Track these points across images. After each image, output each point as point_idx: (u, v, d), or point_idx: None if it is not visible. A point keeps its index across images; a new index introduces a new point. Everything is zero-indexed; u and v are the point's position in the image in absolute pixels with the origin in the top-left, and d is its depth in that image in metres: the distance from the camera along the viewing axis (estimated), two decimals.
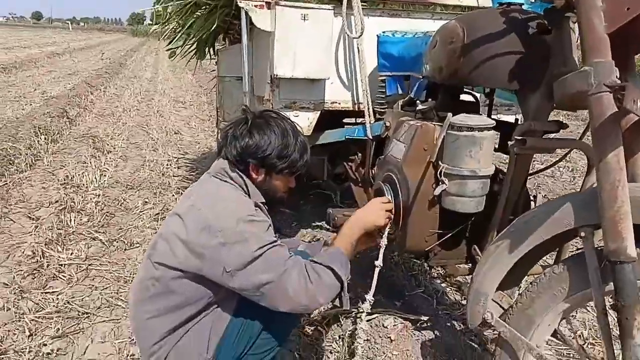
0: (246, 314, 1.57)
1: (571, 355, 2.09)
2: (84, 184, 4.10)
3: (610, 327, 1.24)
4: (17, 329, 2.17)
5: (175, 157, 5.21)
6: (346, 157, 2.91)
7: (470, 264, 1.90)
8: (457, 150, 1.62)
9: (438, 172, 1.67)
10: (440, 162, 1.68)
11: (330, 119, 2.73)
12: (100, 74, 12.07)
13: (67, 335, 2.17)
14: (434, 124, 1.77)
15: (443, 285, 2.82)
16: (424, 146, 1.75)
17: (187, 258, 1.44)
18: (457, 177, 1.63)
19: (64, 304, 2.39)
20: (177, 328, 1.53)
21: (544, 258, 2.46)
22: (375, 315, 2.31)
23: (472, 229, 1.83)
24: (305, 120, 2.50)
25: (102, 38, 32.02)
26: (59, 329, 2.20)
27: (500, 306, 1.58)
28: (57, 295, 2.48)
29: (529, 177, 1.77)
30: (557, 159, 1.80)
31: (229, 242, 1.39)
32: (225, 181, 1.56)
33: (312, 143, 2.70)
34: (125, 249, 3.06)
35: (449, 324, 2.39)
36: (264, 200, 1.60)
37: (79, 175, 4.30)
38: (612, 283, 1.17)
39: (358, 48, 2.42)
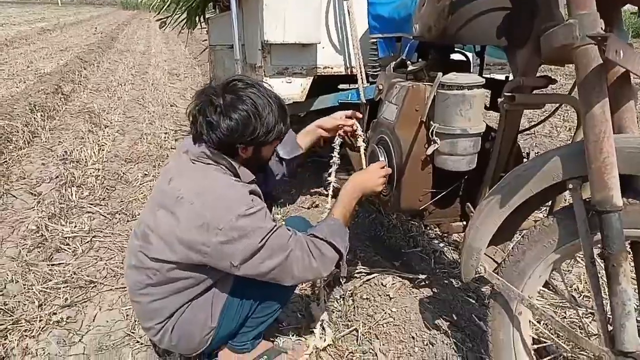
0: (246, 284, 1.60)
1: (562, 305, 2.15)
2: (83, 159, 4.12)
3: (599, 276, 1.28)
4: (27, 300, 2.23)
5: (172, 130, 5.20)
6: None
7: (464, 222, 1.93)
8: (447, 109, 1.63)
9: (430, 132, 1.68)
10: (431, 122, 1.69)
11: (324, 84, 2.73)
12: (93, 48, 11.91)
13: (75, 304, 2.23)
14: (425, 84, 1.77)
15: (441, 245, 2.87)
16: (415, 107, 1.76)
17: (187, 254, 1.45)
18: (448, 136, 1.64)
19: (71, 274, 2.45)
20: (181, 306, 1.58)
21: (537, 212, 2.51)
22: (374, 274, 2.37)
23: (465, 187, 1.86)
24: (298, 87, 2.50)
25: (92, 12, 31.42)
26: (67, 298, 2.25)
27: (494, 260, 1.62)
28: (64, 267, 2.53)
29: (523, 135, 1.78)
30: (547, 115, 1.80)
31: (232, 239, 1.39)
32: (209, 164, 1.50)
33: (307, 109, 2.72)
34: (127, 221, 3.10)
35: (446, 282, 2.45)
36: (253, 177, 1.59)
37: (77, 150, 4.31)
38: (599, 233, 1.20)
39: (348, 10, 2.40)
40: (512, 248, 1.47)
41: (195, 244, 1.42)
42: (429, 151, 1.69)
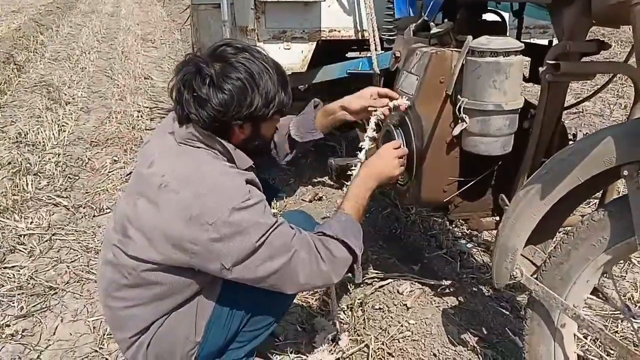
0: (237, 290, 1.60)
1: (614, 316, 2.16)
2: (40, 142, 4.14)
3: None
4: None
5: (147, 107, 5.21)
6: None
7: (497, 217, 1.94)
8: (478, 80, 1.62)
9: (457, 108, 1.68)
10: (459, 96, 1.69)
11: (329, 51, 2.73)
12: (51, 9, 11.91)
13: (32, 315, 2.25)
14: (452, 50, 1.77)
15: (468, 245, 2.88)
16: (439, 78, 1.76)
17: (171, 253, 1.44)
18: (479, 113, 1.64)
19: (27, 279, 2.47)
20: (160, 317, 1.58)
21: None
22: (389, 280, 2.38)
23: (498, 175, 1.86)
24: (298, 54, 2.50)
25: None
26: (22, 307, 2.27)
27: (532, 262, 1.63)
28: (18, 270, 2.55)
29: (570, 114, 1.78)
30: (597, 88, 1.80)
31: (224, 236, 1.39)
32: (199, 147, 1.49)
33: (309, 82, 2.73)
34: (93, 215, 3.12)
35: (474, 289, 2.46)
36: (251, 163, 1.58)
37: (33, 131, 4.33)
38: None
39: None
40: (554, 248, 1.48)
41: (181, 241, 1.41)
42: (456, 131, 1.69)
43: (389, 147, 1.78)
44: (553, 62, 1.50)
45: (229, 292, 1.62)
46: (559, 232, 1.68)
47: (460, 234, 3.00)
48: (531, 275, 1.55)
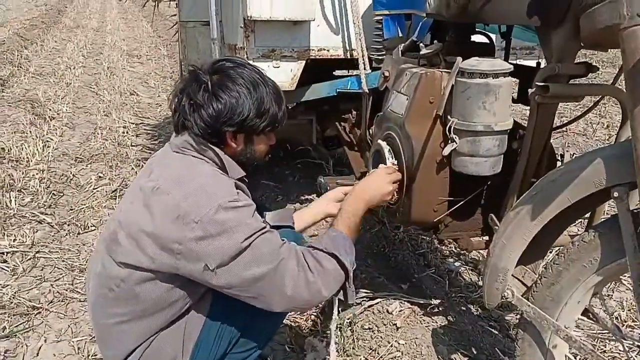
0: (225, 311, 1.58)
1: (604, 336, 2.17)
2: (23, 158, 4.09)
3: None
4: None
5: (133, 123, 5.19)
6: (338, 117, 2.93)
7: (486, 237, 1.94)
8: (468, 101, 1.64)
9: (447, 129, 1.69)
10: (449, 117, 1.70)
11: (318, 70, 2.74)
12: (35, 23, 11.86)
13: (15, 335, 2.21)
14: (441, 71, 1.78)
15: (456, 264, 2.89)
16: (429, 98, 1.77)
17: (158, 256, 1.42)
18: (469, 134, 1.65)
19: (9, 298, 2.42)
20: (148, 337, 1.55)
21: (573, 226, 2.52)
22: (378, 299, 2.37)
23: (487, 195, 1.87)
24: (287, 72, 2.51)
25: None
26: (5, 327, 2.23)
27: (522, 283, 1.64)
28: (1, 289, 2.50)
29: (553, 133, 1.80)
30: (586, 110, 1.82)
31: (209, 235, 1.37)
32: (194, 156, 1.52)
33: (297, 100, 2.73)
34: (78, 233, 3.08)
35: (463, 308, 2.46)
36: (244, 174, 1.60)
37: (16, 147, 4.28)
38: None
39: None
40: (545, 268, 1.48)
41: (168, 241, 1.40)
42: (446, 151, 1.69)
43: (383, 169, 1.80)
44: (542, 84, 1.51)
45: (218, 313, 1.60)
46: (549, 252, 1.69)
47: (448, 252, 3.01)
48: (522, 296, 1.55)
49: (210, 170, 1.50)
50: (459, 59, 1.67)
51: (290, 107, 3.08)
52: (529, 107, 1.63)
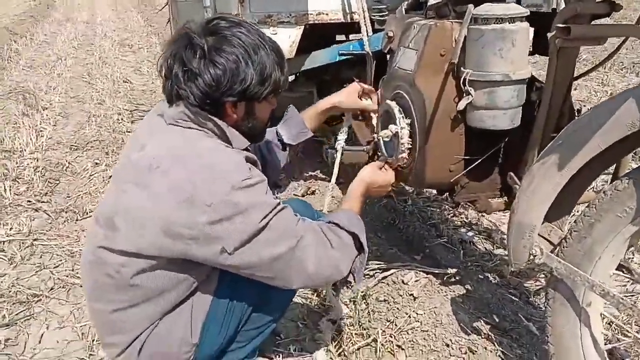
0: (233, 287, 1.51)
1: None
2: (17, 148, 4.00)
3: None
4: None
5: (127, 110, 5.09)
6: (340, 86, 2.82)
7: (505, 197, 1.85)
8: (483, 49, 1.54)
9: (461, 81, 1.59)
10: (462, 69, 1.60)
11: (318, 37, 2.64)
12: (24, 18, 11.71)
13: (16, 323, 2.14)
14: (452, 22, 1.68)
15: (469, 234, 2.81)
16: (440, 50, 1.67)
17: (163, 243, 1.33)
18: (485, 85, 1.56)
19: (8, 287, 2.35)
20: (153, 321, 1.47)
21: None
22: (392, 270, 2.28)
23: (505, 152, 1.78)
24: (285, 39, 2.40)
25: None
26: (5, 316, 2.16)
27: (549, 241, 1.54)
28: (0, 278, 2.42)
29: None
30: (608, 54, 1.72)
31: (224, 217, 1.28)
32: (190, 127, 1.39)
33: (297, 70, 2.63)
34: (76, 220, 3.00)
35: (481, 277, 2.38)
36: (248, 143, 1.48)
37: (9, 137, 4.19)
38: None
39: None
40: (576, 222, 1.39)
41: (175, 226, 1.30)
42: (461, 106, 1.60)
43: (380, 165, 1.79)
44: (563, 25, 1.42)
45: (226, 289, 1.51)
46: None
47: (459, 222, 2.93)
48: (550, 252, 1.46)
49: (214, 145, 1.39)
50: (471, 5, 1.57)
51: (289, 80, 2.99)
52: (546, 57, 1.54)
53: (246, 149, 1.46)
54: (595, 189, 1.83)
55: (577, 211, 1.75)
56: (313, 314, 2.14)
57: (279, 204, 1.36)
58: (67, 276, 2.45)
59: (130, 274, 1.39)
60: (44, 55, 7.89)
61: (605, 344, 1.43)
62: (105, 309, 1.46)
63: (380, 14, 2.28)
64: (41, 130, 4.45)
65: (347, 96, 1.89)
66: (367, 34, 2.29)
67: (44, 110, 5.09)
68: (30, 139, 4.16)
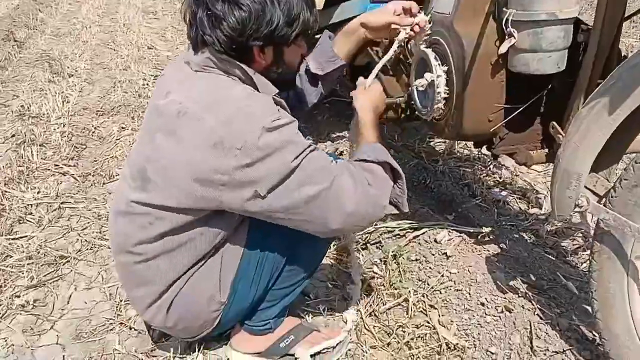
0: (263, 245, 1.47)
1: None
2: (44, 114, 3.98)
3: None
4: None
5: (152, 75, 5.03)
6: (370, 41, 2.72)
7: (547, 149, 1.76)
8: None
9: (503, 23, 1.49)
10: (505, 9, 1.50)
11: None
12: None
13: (44, 284, 2.12)
14: None
15: (503, 194, 2.72)
16: None
17: (197, 190, 1.28)
18: (530, 25, 1.47)
19: (36, 249, 2.33)
20: (181, 275, 1.44)
21: None
22: (424, 229, 2.21)
23: (548, 101, 1.69)
24: None
25: None
26: (33, 277, 2.14)
27: (594, 193, 1.45)
28: (27, 240, 2.41)
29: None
30: None
31: (256, 159, 1.23)
32: (219, 74, 1.35)
33: (326, 22, 2.54)
34: (103, 183, 2.97)
35: (516, 236, 2.30)
36: (277, 91, 1.42)
37: (36, 104, 4.16)
38: None
39: None
40: (626, 170, 1.30)
41: (205, 172, 1.26)
42: (503, 49, 1.51)
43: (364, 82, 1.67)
44: None
45: (256, 247, 1.47)
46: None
47: (492, 182, 2.84)
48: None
49: (243, 89, 1.33)
50: None
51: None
52: None
53: (276, 95, 1.40)
54: None
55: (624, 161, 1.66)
56: (343, 274, 2.09)
57: (310, 144, 1.31)
58: (94, 238, 2.43)
59: (161, 225, 1.36)
60: (69, 24, 7.84)
61: None
62: (132, 260, 1.43)
63: None
64: (67, 97, 4.42)
65: (379, 13, 1.63)
66: None
67: (69, 77, 5.06)
68: (57, 105, 4.13)
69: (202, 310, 1.49)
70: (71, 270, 2.22)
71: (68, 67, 5.37)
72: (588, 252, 2.09)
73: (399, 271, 2.04)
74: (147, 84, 4.74)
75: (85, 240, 2.42)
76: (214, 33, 1.31)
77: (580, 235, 2.29)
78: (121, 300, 2.00)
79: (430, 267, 2.00)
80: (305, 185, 1.27)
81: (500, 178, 2.85)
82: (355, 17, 2.43)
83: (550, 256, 2.15)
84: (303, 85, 1.71)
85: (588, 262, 1.44)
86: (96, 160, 3.27)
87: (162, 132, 1.33)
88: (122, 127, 3.78)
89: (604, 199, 1.39)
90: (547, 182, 2.72)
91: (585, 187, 1.42)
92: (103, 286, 2.10)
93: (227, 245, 1.47)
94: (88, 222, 2.57)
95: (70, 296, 2.07)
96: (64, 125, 3.77)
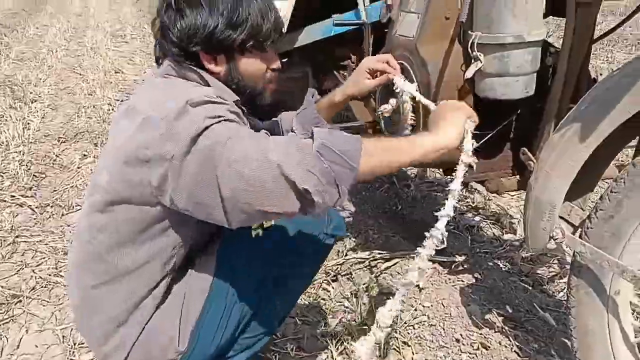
0: (232, 284, 1.37)
1: None
2: (2, 142, 3.85)
3: None
4: None
5: (118, 100, 4.92)
6: (336, 65, 2.67)
7: (518, 176, 1.70)
8: (493, 7, 1.39)
9: (469, 46, 1.43)
10: (470, 32, 1.44)
11: (311, 10, 2.47)
12: (16, 11, 11.55)
13: None
14: None
15: (476, 219, 2.66)
16: (445, 13, 1.52)
17: (126, 174, 1.20)
18: (496, 48, 1.41)
19: None
20: (136, 300, 1.31)
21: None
22: (396, 260, 2.14)
23: (518, 126, 1.64)
24: None
25: None
26: None
27: (568, 222, 1.39)
28: None
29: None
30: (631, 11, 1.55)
31: (175, 129, 1.12)
32: (178, 79, 1.31)
33: (291, 46, 2.48)
34: (62, 214, 2.85)
35: (490, 264, 2.23)
36: (236, 98, 1.34)
37: None
38: None
39: None
40: (601, 199, 1.24)
41: (133, 150, 1.17)
42: (469, 73, 1.45)
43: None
44: None
45: (222, 287, 1.37)
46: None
47: (465, 206, 2.77)
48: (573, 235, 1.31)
49: (196, 89, 1.28)
50: None
51: (282, 60, 2.83)
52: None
53: (236, 103, 1.32)
54: (618, 163, 1.66)
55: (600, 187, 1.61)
56: (313, 309, 1.99)
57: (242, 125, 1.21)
58: (49, 275, 2.31)
59: (107, 237, 1.27)
60: (35, 48, 7.71)
61: (636, 337, 1.28)
62: (86, 285, 1.33)
63: None
64: (29, 123, 4.29)
65: (360, 81, 1.53)
66: (364, 3, 2.12)
67: (32, 102, 4.93)
68: (17, 132, 4.01)
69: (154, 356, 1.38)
70: (23, 311, 2.10)
71: (31, 93, 5.25)
72: (565, 279, 2.04)
73: (371, 305, 1.95)
74: (112, 109, 4.64)
75: (40, 277, 2.30)
76: (165, 42, 1.31)
77: (557, 262, 2.23)
78: (75, 344, 1.88)
79: (402, 301, 1.92)
80: (211, 148, 1.11)
81: (473, 202, 2.79)
82: (319, 43, 2.42)
83: (526, 285, 2.08)
84: None
85: (566, 295, 1.38)
86: (56, 190, 3.15)
87: (110, 132, 1.32)
88: (84, 155, 3.67)
89: (579, 229, 1.33)
90: (521, 205, 2.66)
91: (560, 216, 1.35)
92: (56, 328, 1.98)
93: (190, 284, 1.36)
94: (43, 258, 2.45)
95: (21, 339, 1.95)
96: (23, 154, 3.65)
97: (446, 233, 1.23)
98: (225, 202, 1.11)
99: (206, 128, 1.12)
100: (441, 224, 1.24)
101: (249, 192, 1.07)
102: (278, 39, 1.37)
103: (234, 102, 1.31)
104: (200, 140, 1.11)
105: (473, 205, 2.79)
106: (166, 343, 1.34)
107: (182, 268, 1.37)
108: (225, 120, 1.16)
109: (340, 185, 1.07)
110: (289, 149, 1.08)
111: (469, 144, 1.23)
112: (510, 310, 1.87)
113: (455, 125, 1.24)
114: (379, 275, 2.10)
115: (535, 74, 1.47)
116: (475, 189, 2.78)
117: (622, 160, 2.49)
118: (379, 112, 1.66)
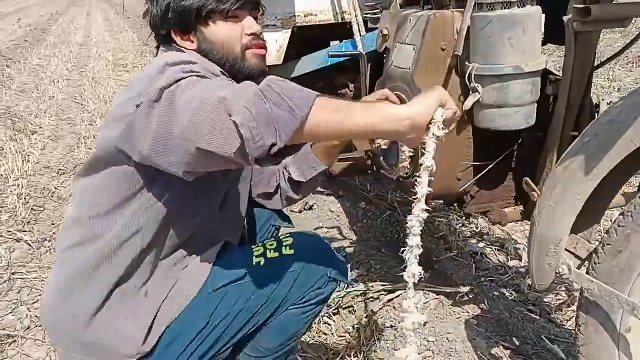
0: (227, 301, 1.31)
1: None
2: (2, 175, 3.82)
3: None
4: None
5: None
6: (335, 94, 2.65)
7: (521, 206, 1.65)
8: (490, 39, 1.36)
9: (467, 77, 1.40)
10: (467, 63, 1.41)
11: (307, 40, 2.46)
12: (19, 43, 11.64)
13: None
14: (453, 11, 1.49)
15: (480, 245, 2.61)
16: (441, 44, 1.49)
17: (107, 136, 1.23)
18: (494, 80, 1.38)
19: None
20: (106, 290, 1.27)
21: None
22: (399, 292, 2.08)
23: (520, 156, 1.60)
24: (272, 45, 2.22)
25: (20, 4, 31.22)
26: None
27: (575, 256, 1.34)
28: None
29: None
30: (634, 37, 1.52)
31: (151, 84, 1.11)
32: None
33: (288, 76, 2.45)
34: None
35: (496, 294, 2.17)
36: (220, 69, 1.33)
37: None
38: None
39: None
40: (609, 233, 1.19)
41: (118, 112, 1.21)
42: (468, 105, 1.42)
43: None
44: (581, 6, 1.23)
45: (208, 305, 1.30)
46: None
47: (469, 233, 2.72)
48: (578, 269, 1.26)
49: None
50: None
51: None
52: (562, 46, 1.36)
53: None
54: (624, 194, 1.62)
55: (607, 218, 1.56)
56: (313, 345, 1.94)
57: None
58: None
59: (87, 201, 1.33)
60: (37, 79, 7.74)
61: None
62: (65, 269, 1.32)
63: (374, 12, 2.09)
64: (28, 155, 4.27)
65: None
66: (360, 34, 2.10)
67: (32, 134, 4.92)
68: (17, 165, 3.98)
69: (113, 349, 1.28)
70: (17, 352, 2.04)
71: (32, 124, 5.24)
72: (573, 307, 1.98)
73: (374, 339, 1.90)
74: None
75: (36, 316, 2.24)
76: (151, 28, 1.41)
77: (564, 289, 2.17)
78: None
79: (404, 336, 1.86)
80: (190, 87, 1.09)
81: (477, 228, 2.74)
82: (316, 72, 2.40)
83: (533, 315, 2.03)
84: (285, 193, 1.61)
85: (574, 331, 1.32)
86: (54, 224, 3.11)
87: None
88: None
89: (586, 263, 1.28)
90: (526, 230, 2.61)
91: (566, 249, 1.31)
92: None
93: (177, 287, 1.32)
94: (39, 295, 2.40)
95: None
96: (21, 187, 3.61)
97: (425, 215, 1.15)
98: (175, 140, 1.06)
99: (178, 80, 1.10)
100: (418, 209, 1.17)
101: (190, 127, 1.02)
102: (242, 2, 1.34)
103: (220, 72, 1.32)
104: (170, 89, 1.09)
105: (477, 231, 2.74)
106: (131, 335, 1.28)
107: (176, 269, 1.34)
108: (199, 76, 1.13)
109: (279, 130, 0.98)
110: (240, 88, 1.03)
111: (439, 114, 1.11)
112: (517, 343, 1.81)
113: (426, 100, 1.13)
114: (381, 308, 2.05)
115: (535, 104, 1.44)
116: (481, 216, 2.73)
117: (629, 189, 2.44)
118: (377, 146, 1.63)
